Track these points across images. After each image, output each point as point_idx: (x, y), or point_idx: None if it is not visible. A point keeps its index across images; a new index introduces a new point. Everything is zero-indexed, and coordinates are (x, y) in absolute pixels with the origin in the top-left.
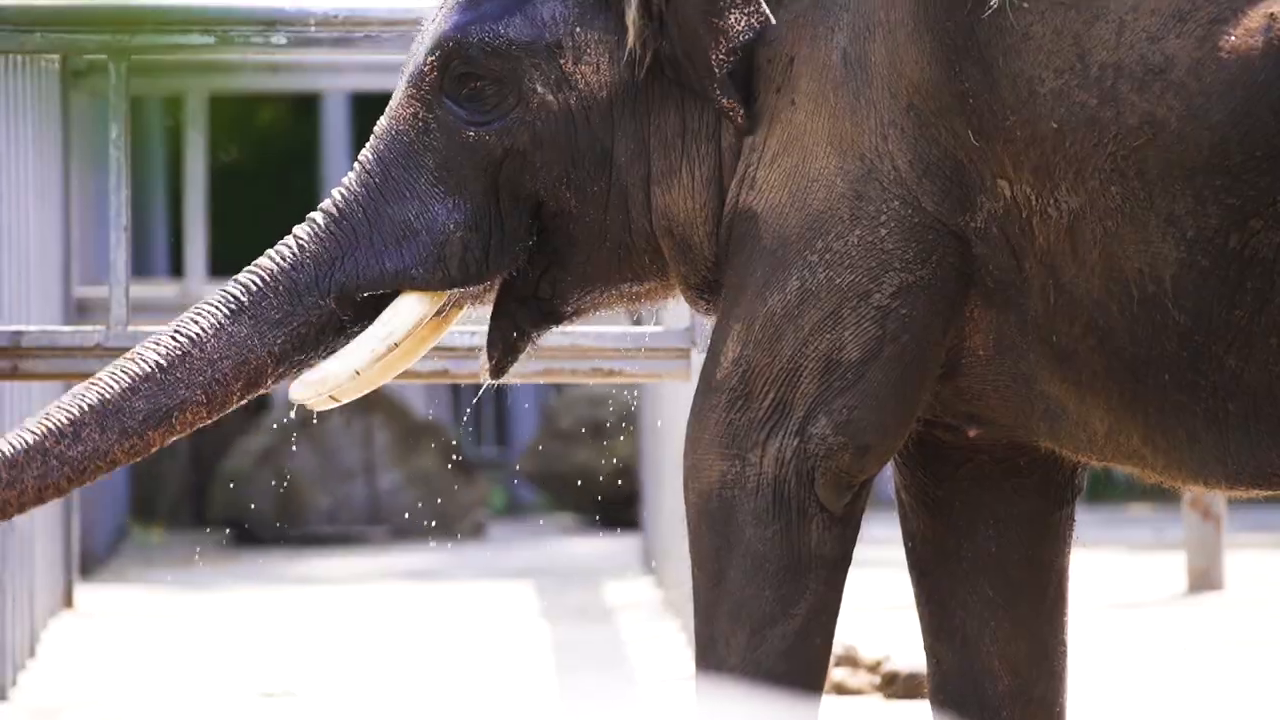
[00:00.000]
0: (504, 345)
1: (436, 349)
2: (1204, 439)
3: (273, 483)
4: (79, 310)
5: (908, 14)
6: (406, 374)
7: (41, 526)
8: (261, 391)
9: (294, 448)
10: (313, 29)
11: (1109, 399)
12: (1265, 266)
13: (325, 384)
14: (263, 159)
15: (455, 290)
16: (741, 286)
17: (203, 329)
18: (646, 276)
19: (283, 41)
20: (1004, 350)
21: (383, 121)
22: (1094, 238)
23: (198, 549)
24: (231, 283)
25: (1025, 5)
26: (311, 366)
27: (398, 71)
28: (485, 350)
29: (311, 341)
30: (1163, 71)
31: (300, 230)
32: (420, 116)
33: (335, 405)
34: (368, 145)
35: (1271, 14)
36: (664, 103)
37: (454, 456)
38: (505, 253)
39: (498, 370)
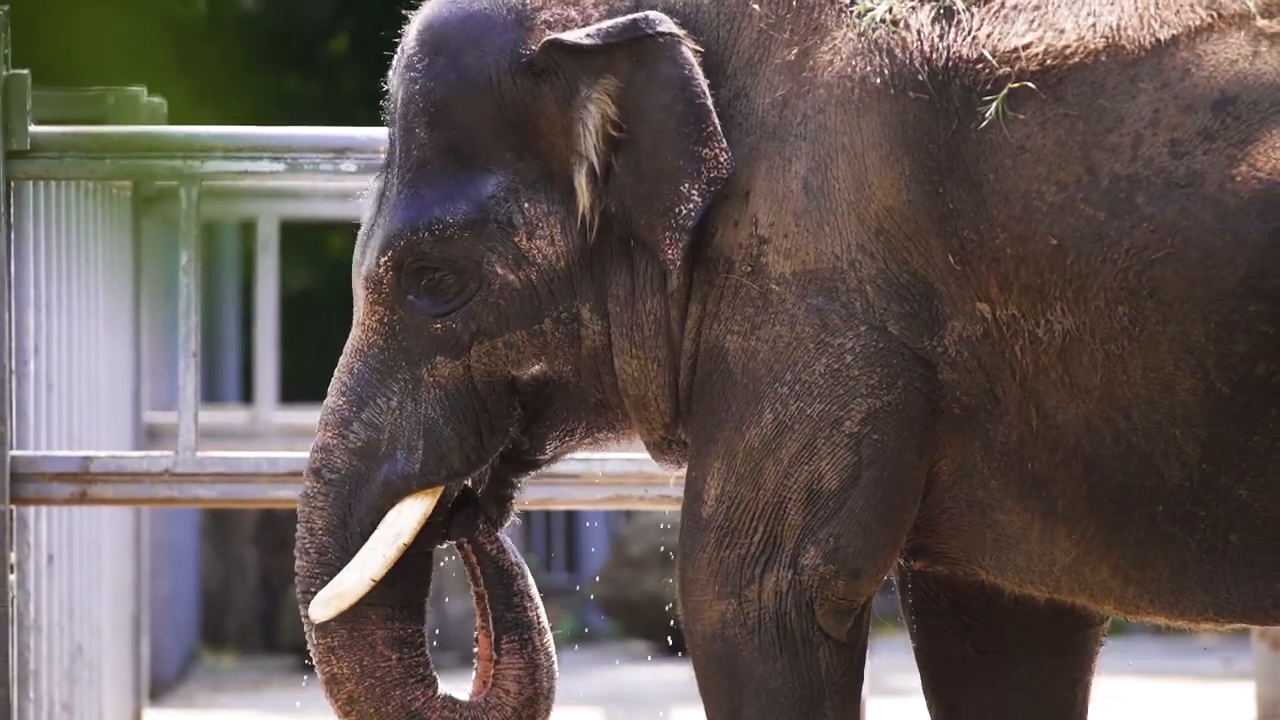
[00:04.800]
0: (497, 502)
1: None
2: (1192, 571)
3: None
4: (149, 435)
5: (881, 137)
6: None
7: (110, 650)
8: None
9: None
10: (382, 156)
11: (1083, 529)
12: None
13: (345, 598)
14: (333, 285)
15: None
16: (718, 422)
17: None
18: (625, 425)
19: (352, 169)
20: (963, 476)
21: (352, 335)
22: (1092, 361)
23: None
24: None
25: (1021, 117)
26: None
27: None
28: (482, 509)
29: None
30: (1188, 185)
31: (318, 471)
32: (386, 321)
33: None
34: (342, 364)
35: None
36: (615, 263)
37: None
38: (497, 432)
39: (497, 524)
